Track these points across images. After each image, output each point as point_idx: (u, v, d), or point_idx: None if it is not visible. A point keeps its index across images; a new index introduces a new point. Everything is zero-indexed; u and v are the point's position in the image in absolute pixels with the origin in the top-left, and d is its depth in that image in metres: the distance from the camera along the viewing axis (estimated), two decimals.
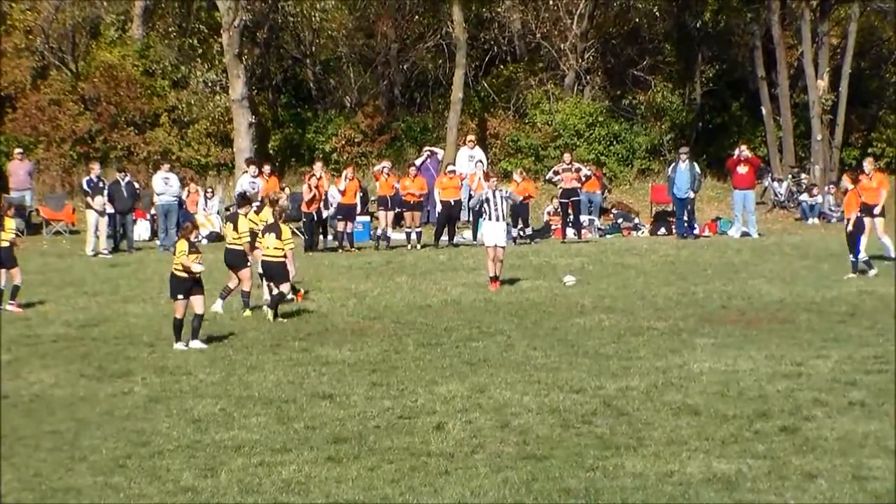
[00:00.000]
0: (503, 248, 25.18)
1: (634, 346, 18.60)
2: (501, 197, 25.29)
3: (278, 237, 21.79)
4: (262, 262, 22.06)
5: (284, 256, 21.74)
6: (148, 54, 43.33)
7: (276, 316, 21.47)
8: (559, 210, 35.15)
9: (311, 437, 13.66)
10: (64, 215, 37.02)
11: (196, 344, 19.18)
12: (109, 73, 42.31)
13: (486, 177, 28.76)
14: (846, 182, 26.53)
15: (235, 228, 22.53)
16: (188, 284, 19.17)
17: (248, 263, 22.43)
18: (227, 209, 37.55)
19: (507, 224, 26.11)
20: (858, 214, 25.42)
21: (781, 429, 13.49)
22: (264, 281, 22.32)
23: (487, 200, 25.12)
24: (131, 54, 43.19)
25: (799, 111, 43.18)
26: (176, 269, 19.20)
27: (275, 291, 21.79)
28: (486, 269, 25.26)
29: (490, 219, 25.10)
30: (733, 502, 11.15)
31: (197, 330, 19.34)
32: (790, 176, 40.99)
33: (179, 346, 19.13)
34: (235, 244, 22.49)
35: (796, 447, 12.80)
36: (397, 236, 34.22)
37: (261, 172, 34.15)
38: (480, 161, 36.18)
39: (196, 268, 19.11)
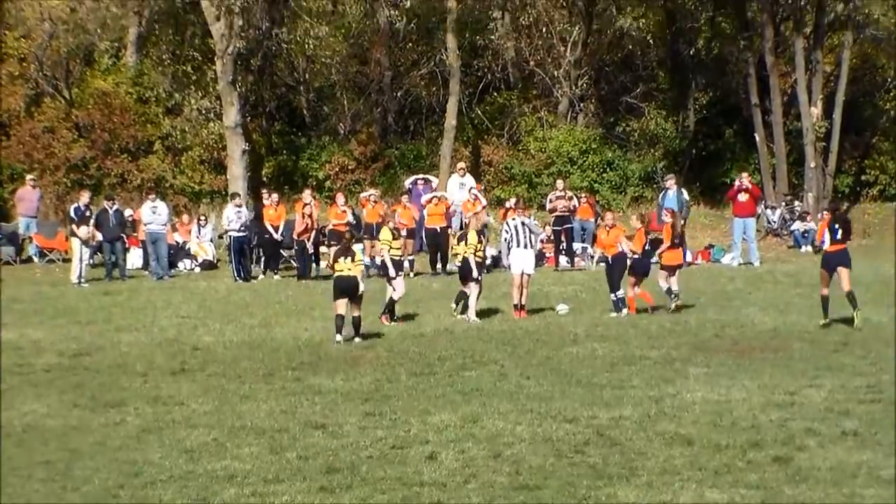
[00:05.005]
0: (529, 275, 25.57)
1: (627, 375, 18.58)
2: (526, 226, 25.80)
3: None
4: None
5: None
6: (142, 81, 43.48)
7: None
8: (552, 237, 35.17)
9: (304, 467, 13.62)
10: (57, 243, 36.95)
11: (357, 340, 22.04)
12: (103, 100, 42.48)
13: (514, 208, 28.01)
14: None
15: None
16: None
17: None
18: (220, 237, 37.54)
19: (535, 252, 26.56)
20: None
21: (774, 458, 13.47)
22: None
23: (515, 229, 25.66)
24: (125, 81, 43.35)
25: (792, 138, 43.26)
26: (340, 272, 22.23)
27: None
28: (511, 296, 25.57)
29: (518, 246, 25.62)
30: None
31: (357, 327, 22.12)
32: (783, 203, 41.05)
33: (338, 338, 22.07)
34: None
35: (789, 477, 12.78)
36: None
37: (269, 202, 34.23)
38: (472, 188, 36.16)
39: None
